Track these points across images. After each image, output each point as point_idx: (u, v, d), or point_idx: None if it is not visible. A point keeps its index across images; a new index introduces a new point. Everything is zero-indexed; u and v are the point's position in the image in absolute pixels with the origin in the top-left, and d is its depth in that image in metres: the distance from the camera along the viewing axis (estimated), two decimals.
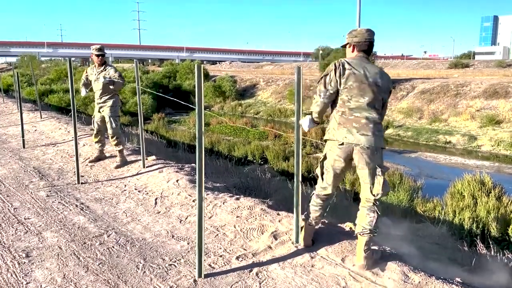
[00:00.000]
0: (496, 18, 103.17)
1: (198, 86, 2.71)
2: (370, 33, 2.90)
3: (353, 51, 2.92)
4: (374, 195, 2.84)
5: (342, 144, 2.84)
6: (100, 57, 5.75)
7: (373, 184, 2.83)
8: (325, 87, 2.86)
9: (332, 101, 2.90)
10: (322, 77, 2.89)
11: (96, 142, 6.16)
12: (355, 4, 40.34)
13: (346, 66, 2.81)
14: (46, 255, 3.28)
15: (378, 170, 2.82)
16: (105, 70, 5.75)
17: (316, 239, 3.27)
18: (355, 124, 2.80)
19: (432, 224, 6.40)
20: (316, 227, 3.35)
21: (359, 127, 2.79)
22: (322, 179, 3.01)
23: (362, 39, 2.87)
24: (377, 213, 2.86)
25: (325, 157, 2.98)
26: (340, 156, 2.88)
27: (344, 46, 3.00)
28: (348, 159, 2.88)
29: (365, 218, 2.87)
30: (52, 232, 3.72)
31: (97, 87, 5.79)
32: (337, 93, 2.86)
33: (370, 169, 2.82)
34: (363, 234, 2.86)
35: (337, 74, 2.81)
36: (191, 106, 3.68)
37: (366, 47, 2.89)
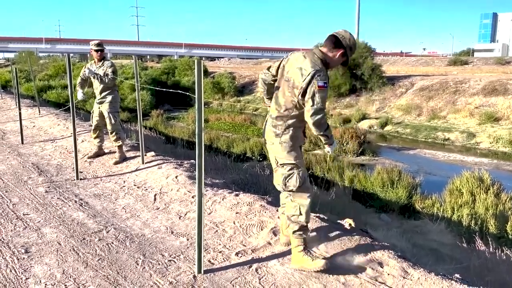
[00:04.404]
0: (495, 15, 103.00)
1: (198, 82, 2.70)
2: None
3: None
4: (274, 185, 2.95)
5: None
6: (99, 52, 5.74)
7: (276, 175, 2.93)
8: (268, 68, 3.04)
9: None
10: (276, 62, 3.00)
11: (94, 138, 6.14)
12: (354, 0, 40.26)
13: (282, 63, 2.90)
14: (45, 251, 3.27)
15: (276, 162, 2.89)
16: (103, 66, 5.74)
17: (315, 236, 3.27)
18: (267, 117, 2.98)
19: (431, 221, 6.42)
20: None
21: (266, 120, 2.99)
22: None
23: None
24: (288, 216, 2.89)
25: None
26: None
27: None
28: None
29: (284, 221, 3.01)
30: (51, 228, 3.71)
31: (97, 83, 5.78)
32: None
33: (272, 158, 2.94)
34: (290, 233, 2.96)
35: (279, 72, 2.93)
36: (190, 95, 3.68)
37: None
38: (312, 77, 2.64)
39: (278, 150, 2.86)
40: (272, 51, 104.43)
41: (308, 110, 2.67)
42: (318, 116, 2.65)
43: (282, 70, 2.89)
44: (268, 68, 3.05)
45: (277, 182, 2.92)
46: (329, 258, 2.92)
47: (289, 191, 2.85)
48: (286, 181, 2.84)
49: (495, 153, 15.80)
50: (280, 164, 2.86)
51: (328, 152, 2.94)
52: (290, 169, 2.84)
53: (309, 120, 2.68)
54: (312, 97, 2.64)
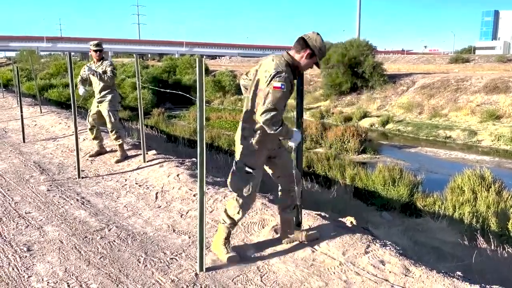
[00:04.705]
0: (496, 13, 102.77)
1: (199, 80, 2.70)
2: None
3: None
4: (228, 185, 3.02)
5: None
6: (97, 52, 5.76)
7: None
8: (247, 73, 3.05)
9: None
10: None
11: (93, 139, 6.16)
12: None
13: (256, 68, 2.89)
14: (48, 249, 3.28)
15: (234, 163, 2.94)
16: (102, 65, 5.77)
17: (317, 234, 3.27)
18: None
19: (432, 219, 6.42)
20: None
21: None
22: None
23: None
24: (225, 210, 3.02)
25: None
26: None
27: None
28: None
29: None
30: (53, 226, 3.72)
31: (96, 82, 5.81)
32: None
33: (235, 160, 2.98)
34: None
35: (253, 77, 2.92)
36: (191, 97, 3.71)
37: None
38: (272, 78, 2.66)
39: (242, 153, 2.88)
40: (273, 49, 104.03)
41: (259, 109, 2.67)
42: (268, 116, 2.63)
43: (255, 75, 2.87)
44: (247, 74, 3.05)
45: (231, 184, 2.97)
46: (240, 257, 3.03)
47: (240, 195, 2.94)
48: (241, 186, 2.91)
49: (497, 151, 15.78)
50: (238, 167, 2.90)
51: (291, 146, 2.96)
52: (247, 174, 2.88)
53: (258, 118, 2.69)
54: (265, 97, 2.66)
